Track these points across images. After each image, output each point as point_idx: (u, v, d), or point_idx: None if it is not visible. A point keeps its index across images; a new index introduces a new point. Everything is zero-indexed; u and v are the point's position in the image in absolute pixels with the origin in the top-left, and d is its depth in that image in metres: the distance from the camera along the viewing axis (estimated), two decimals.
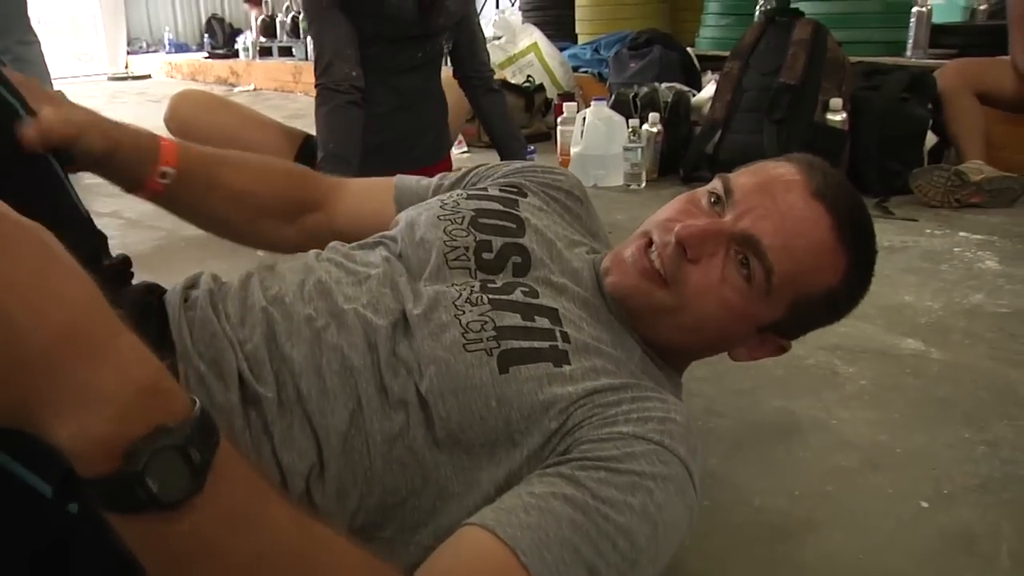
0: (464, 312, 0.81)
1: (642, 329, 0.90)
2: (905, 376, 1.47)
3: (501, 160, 2.72)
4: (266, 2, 8.46)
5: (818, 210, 0.85)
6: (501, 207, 0.96)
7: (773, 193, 0.86)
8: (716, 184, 0.90)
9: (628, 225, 2.41)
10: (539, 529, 0.66)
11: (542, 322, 0.82)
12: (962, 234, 2.35)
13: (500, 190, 1.00)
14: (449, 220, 0.92)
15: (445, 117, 2.67)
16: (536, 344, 0.79)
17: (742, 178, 0.89)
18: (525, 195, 1.00)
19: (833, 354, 1.55)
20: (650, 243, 0.88)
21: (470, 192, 1.00)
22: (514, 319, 0.81)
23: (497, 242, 0.91)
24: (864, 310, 1.74)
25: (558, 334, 0.81)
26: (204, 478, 0.49)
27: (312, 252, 0.94)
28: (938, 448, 1.22)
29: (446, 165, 2.67)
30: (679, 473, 0.74)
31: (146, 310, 0.83)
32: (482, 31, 2.80)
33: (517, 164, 1.08)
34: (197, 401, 0.51)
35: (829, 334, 1.63)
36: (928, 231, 2.39)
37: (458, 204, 0.95)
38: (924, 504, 1.08)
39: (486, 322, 0.80)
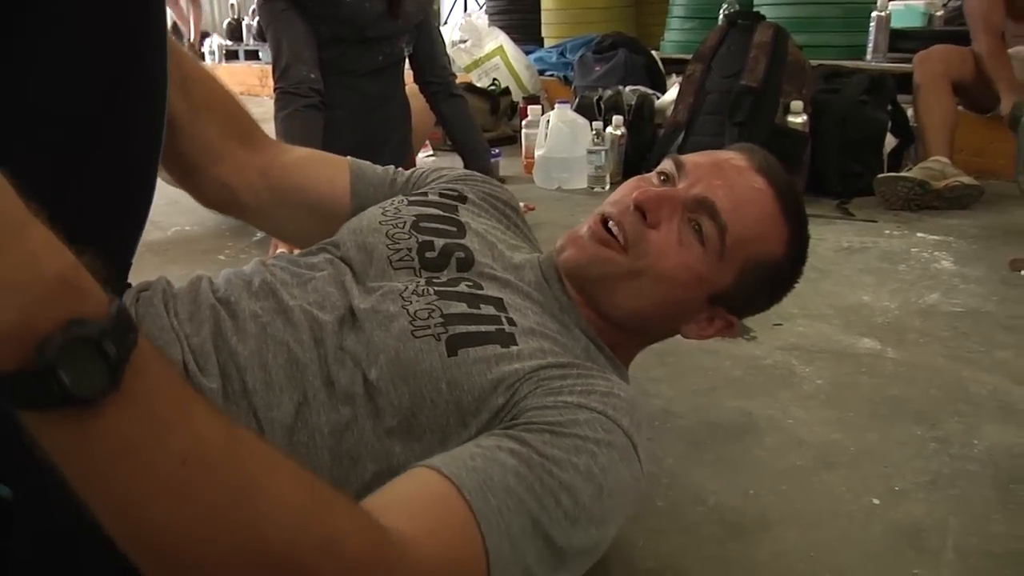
0: (411, 303, 0.83)
1: (599, 303, 0.92)
2: (861, 375, 1.48)
3: (465, 166, 2.73)
4: (232, 5, 8.41)
5: (763, 182, 0.92)
6: (441, 212, 0.98)
7: (721, 166, 0.93)
8: (667, 163, 0.95)
9: None
10: (484, 473, 0.67)
11: (488, 309, 0.84)
12: (920, 235, 2.38)
13: (440, 195, 1.02)
14: (391, 224, 0.94)
15: (409, 122, 2.66)
16: (483, 328, 0.81)
17: (691, 157, 0.95)
18: (465, 201, 1.02)
19: (791, 354, 1.57)
20: (605, 221, 0.91)
21: (410, 199, 1.01)
22: (460, 307, 0.83)
23: (439, 242, 0.93)
24: (822, 310, 1.78)
25: (504, 319, 0.83)
26: (121, 374, 0.46)
27: (257, 259, 0.95)
28: (890, 446, 1.23)
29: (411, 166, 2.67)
30: (622, 442, 0.76)
31: None
32: (441, 36, 2.80)
33: (460, 172, 1.10)
34: (116, 300, 0.48)
35: (787, 334, 1.65)
36: (887, 232, 2.42)
37: (399, 210, 0.97)
38: (876, 501, 1.09)
39: (433, 310, 0.82)
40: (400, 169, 1.11)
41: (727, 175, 0.91)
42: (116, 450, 0.48)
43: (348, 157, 1.11)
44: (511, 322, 0.83)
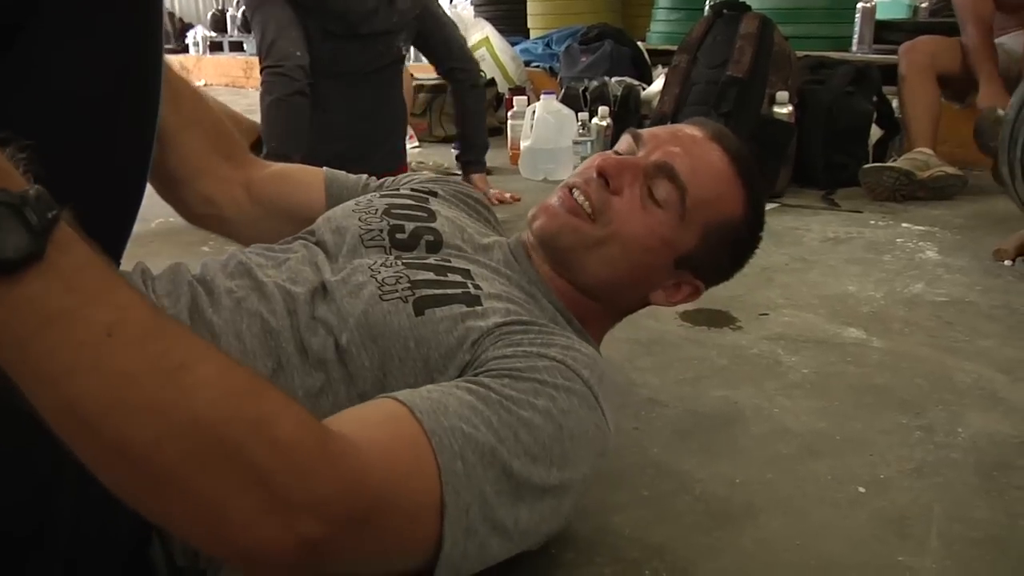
0: (380, 272, 0.87)
1: (570, 272, 0.96)
2: (846, 364, 1.49)
3: (459, 156, 2.71)
4: None
5: (717, 148, 0.98)
6: (413, 202, 1.03)
7: (677, 135, 0.98)
8: (624, 137, 1.00)
9: None
10: (439, 402, 0.70)
11: (454, 277, 0.89)
12: (905, 225, 2.39)
13: (411, 190, 1.08)
14: (364, 211, 0.99)
15: (404, 125, 2.62)
16: (449, 291, 0.85)
17: (649, 130, 1.00)
18: (435, 195, 1.08)
19: (776, 344, 1.57)
20: (571, 189, 0.95)
21: (383, 194, 1.07)
22: (427, 275, 0.87)
23: (409, 225, 0.97)
24: (808, 300, 1.79)
25: (470, 285, 0.88)
26: (44, 242, 0.48)
27: (235, 247, 1.00)
28: (875, 434, 1.24)
29: (402, 171, 2.64)
30: (583, 390, 0.79)
31: None
32: (451, 20, 2.70)
33: (431, 175, 1.16)
34: (39, 186, 0.49)
35: (773, 324, 1.65)
36: (872, 222, 2.43)
37: (371, 201, 1.02)
38: (861, 489, 1.09)
39: (401, 277, 0.86)
40: (373, 178, 1.17)
41: (683, 142, 0.96)
42: (41, 319, 0.49)
43: (324, 167, 1.17)
44: (477, 287, 0.87)
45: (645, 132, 0.99)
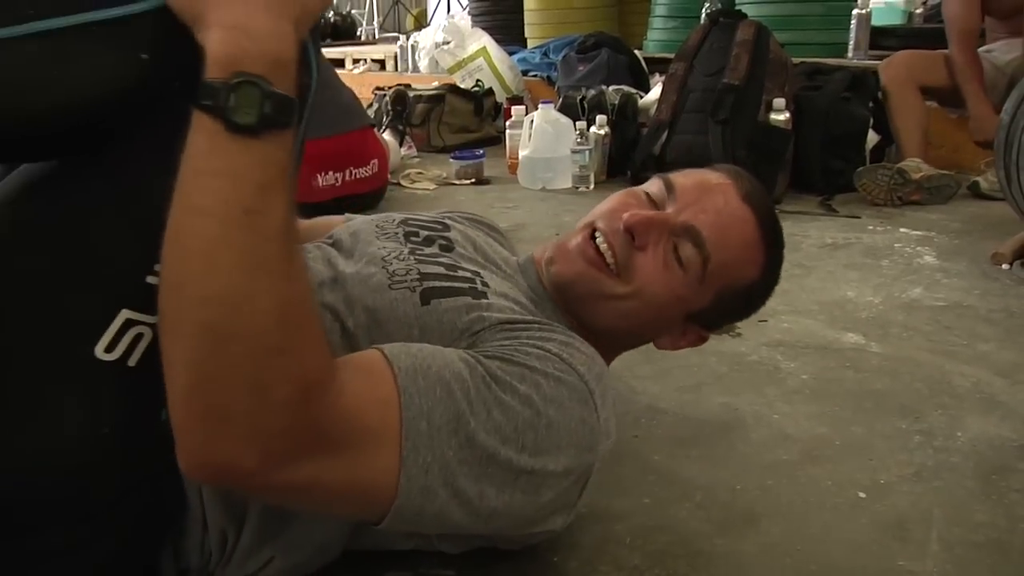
0: (391, 264, 0.90)
1: (581, 315, 0.96)
2: (845, 370, 1.49)
3: None
4: None
5: (747, 211, 0.95)
6: (428, 219, 1.06)
7: (709, 192, 0.95)
8: (656, 182, 0.97)
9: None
10: (423, 362, 0.73)
11: (463, 274, 0.91)
12: (902, 230, 2.40)
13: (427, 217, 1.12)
14: (381, 219, 1.03)
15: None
16: (456, 285, 0.88)
17: (680, 178, 0.97)
18: (450, 218, 1.10)
19: (776, 350, 1.58)
20: (593, 233, 0.94)
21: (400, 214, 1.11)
22: (437, 270, 0.90)
23: (424, 232, 1.00)
24: (807, 306, 1.79)
25: (478, 282, 0.90)
26: (262, 127, 0.62)
27: None
28: (875, 439, 1.24)
29: (371, 137, 2.65)
30: (575, 383, 0.80)
31: None
32: None
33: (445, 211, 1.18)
34: (301, 98, 0.66)
35: (772, 330, 1.66)
36: (870, 228, 2.44)
37: (389, 214, 1.06)
38: (861, 494, 1.10)
39: (410, 270, 0.89)
40: None
41: (714, 202, 0.94)
42: (220, 168, 0.62)
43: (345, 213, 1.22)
44: (484, 284, 0.90)
45: (677, 183, 0.96)
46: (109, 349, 0.68)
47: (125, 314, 0.69)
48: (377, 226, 1.01)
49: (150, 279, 0.69)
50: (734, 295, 0.97)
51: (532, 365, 0.78)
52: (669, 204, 0.95)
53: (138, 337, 0.69)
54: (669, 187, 0.96)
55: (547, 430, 0.76)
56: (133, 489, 0.73)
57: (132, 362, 0.69)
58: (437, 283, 0.87)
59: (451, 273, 0.91)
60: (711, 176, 0.99)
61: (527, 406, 0.75)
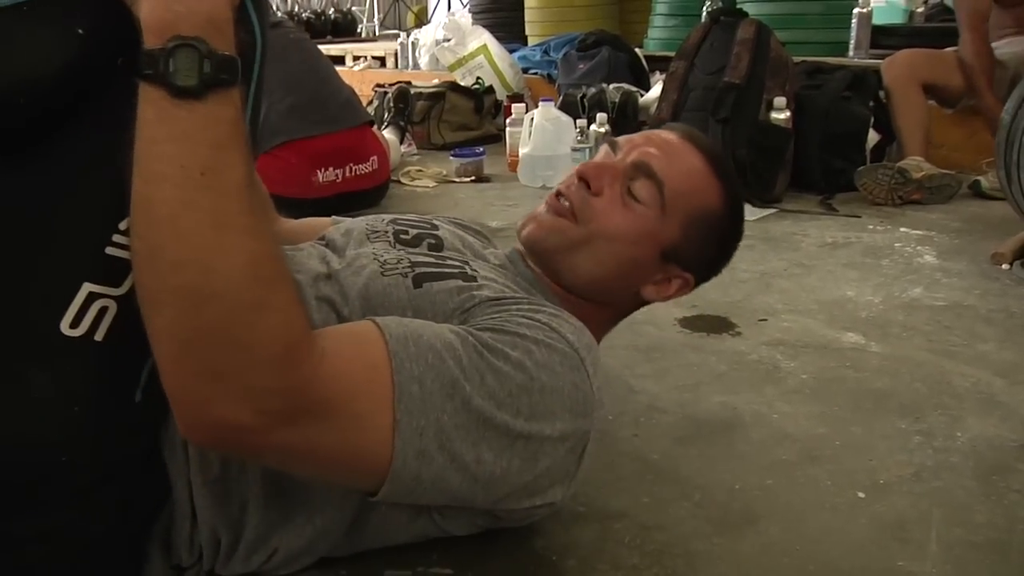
0: (382, 255, 0.93)
1: (560, 273, 1.00)
2: (845, 369, 1.49)
3: None
4: None
5: (690, 146, 1.03)
6: (416, 219, 1.11)
7: (651, 138, 1.03)
8: (602, 147, 1.05)
9: None
10: (415, 331, 0.76)
11: (452, 263, 0.95)
12: (903, 230, 2.40)
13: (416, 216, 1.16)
14: (371, 220, 1.07)
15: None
16: (447, 270, 0.92)
17: (625, 136, 1.06)
18: (438, 219, 1.14)
19: (775, 349, 1.57)
20: (558, 195, 1.01)
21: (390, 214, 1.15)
22: (427, 259, 0.95)
23: (413, 230, 1.04)
24: (806, 305, 1.79)
25: (468, 268, 0.94)
26: (205, 88, 0.63)
27: None
28: (875, 439, 1.24)
29: (370, 135, 2.65)
30: (565, 349, 0.82)
31: None
32: None
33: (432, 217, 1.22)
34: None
35: (772, 329, 1.66)
36: (871, 227, 2.43)
37: (379, 215, 1.10)
38: (860, 494, 1.10)
39: (401, 259, 0.93)
40: None
41: (657, 144, 1.01)
42: (170, 134, 0.63)
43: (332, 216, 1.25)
44: (473, 270, 0.94)
45: (621, 139, 1.03)
46: (74, 324, 0.69)
47: (87, 287, 0.69)
48: (368, 226, 1.04)
49: (109, 250, 0.70)
50: (701, 224, 1.00)
51: (523, 333, 0.81)
52: (618, 156, 1.01)
53: (103, 310, 0.70)
54: (614, 145, 1.03)
55: (541, 394, 0.78)
56: (114, 472, 0.74)
57: (99, 336, 0.70)
58: (428, 269, 0.91)
59: (441, 262, 0.95)
60: (652, 131, 1.07)
61: (520, 371, 0.78)
